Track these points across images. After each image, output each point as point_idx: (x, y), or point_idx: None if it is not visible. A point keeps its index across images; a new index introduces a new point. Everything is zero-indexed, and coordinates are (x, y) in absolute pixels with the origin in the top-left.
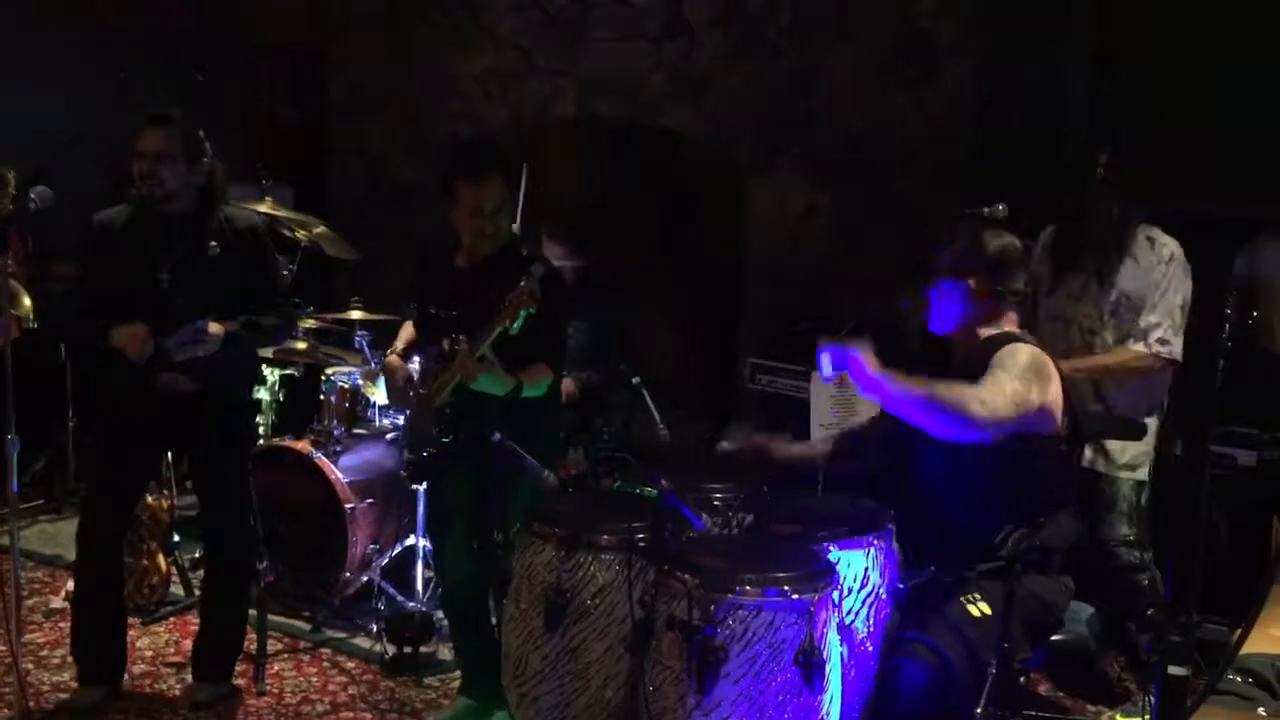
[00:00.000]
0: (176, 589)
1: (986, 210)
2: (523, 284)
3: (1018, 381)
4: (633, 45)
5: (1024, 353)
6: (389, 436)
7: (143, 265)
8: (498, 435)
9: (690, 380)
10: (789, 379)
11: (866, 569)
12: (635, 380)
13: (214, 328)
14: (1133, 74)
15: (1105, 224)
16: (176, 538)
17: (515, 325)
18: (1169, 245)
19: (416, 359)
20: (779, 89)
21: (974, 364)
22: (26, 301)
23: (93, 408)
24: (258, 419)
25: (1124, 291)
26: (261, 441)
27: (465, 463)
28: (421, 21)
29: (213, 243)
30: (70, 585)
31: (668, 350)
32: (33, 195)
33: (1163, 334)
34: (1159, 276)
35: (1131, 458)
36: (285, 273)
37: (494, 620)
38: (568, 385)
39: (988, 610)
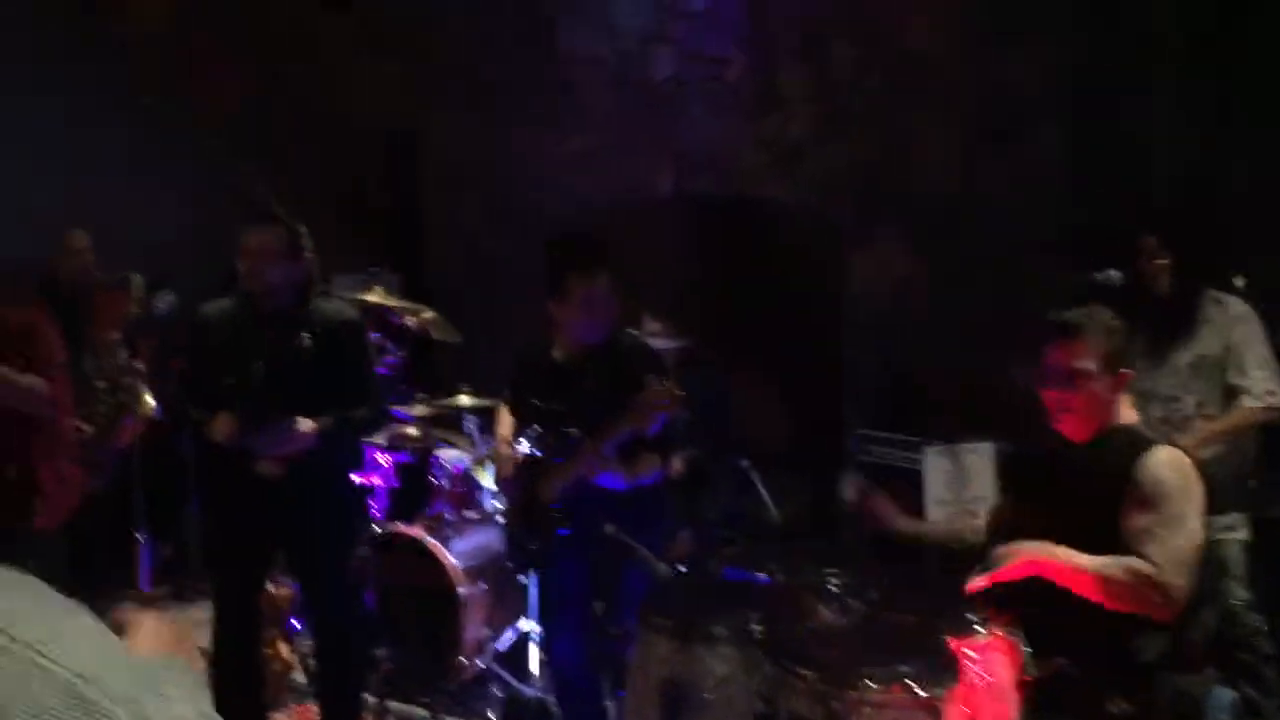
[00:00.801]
0: (299, 676)
1: (1100, 277)
2: (659, 386)
3: (1183, 534)
4: (728, 121)
5: (1167, 470)
6: (500, 520)
7: (238, 358)
8: (610, 527)
9: (796, 453)
10: (900, 450)
11: (990, 659)
12: (744, 463)
13: (305, 425)
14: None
15: (1170, 293)
16: (297, 625)
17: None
18: (1237, 304)
19: (524, 442)
20: (872, 157)
21: (1104, 464)
22: (151, 401)
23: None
24: (363, 505)
25: (1201, 354)
26: (375, 527)
27: (577, 552)
28: (515, 100)
29: (305, 335)
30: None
31: (772, 424)
32: (159, 302)
33: (1269, 385)
34: (1240, 335)
35: (1230, 520)
36: (394, 359)
37: (606, 705)
38: (674, 463)
39: (1128, 707)
